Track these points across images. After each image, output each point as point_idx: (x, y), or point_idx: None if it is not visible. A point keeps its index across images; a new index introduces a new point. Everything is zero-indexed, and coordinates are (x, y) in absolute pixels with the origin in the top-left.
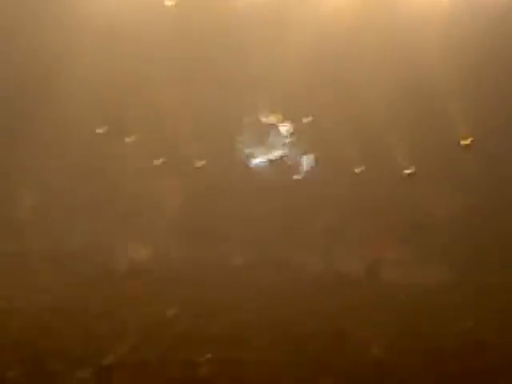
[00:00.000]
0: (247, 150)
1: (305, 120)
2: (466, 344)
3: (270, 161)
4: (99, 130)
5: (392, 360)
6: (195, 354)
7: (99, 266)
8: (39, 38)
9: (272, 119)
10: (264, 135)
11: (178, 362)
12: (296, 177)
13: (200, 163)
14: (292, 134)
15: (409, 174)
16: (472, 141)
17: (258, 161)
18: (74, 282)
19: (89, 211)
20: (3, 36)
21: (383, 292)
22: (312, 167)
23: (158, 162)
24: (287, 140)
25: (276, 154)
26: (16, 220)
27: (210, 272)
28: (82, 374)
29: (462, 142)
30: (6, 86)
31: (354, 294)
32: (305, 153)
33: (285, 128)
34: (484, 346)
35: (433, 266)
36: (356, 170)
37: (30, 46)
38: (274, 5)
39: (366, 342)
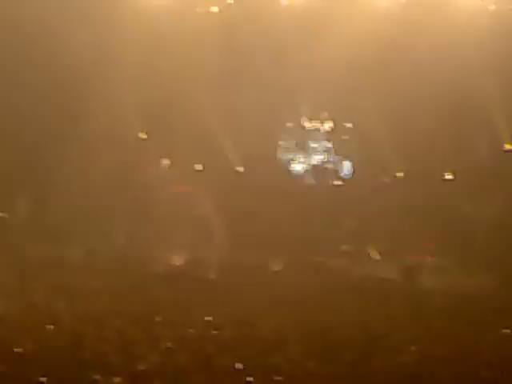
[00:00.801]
0: (288, 155)
1: (346, 125)
2: (504, 352)
3: (311, 166)
4: (142, 135)
5: (428, 367)
6: (233, 361)
7: (136, 271)
8: (84, 41)
9: (313, 124)
10: (305, 140)
11: (216, 369)
12: (336, 182)
13: (240, 168)
14: (333, 139)
15: (448, 180)
16: None
17: (298, 166)
18: (110, 287)
19: (127, 216)
20: (48, 39)
21: (421, 298)
22: (352, 173)
23: (198, 167)
24: (328, 145)
25: (317, 159)
26: (53, 224)
27: (249, 276)
28: (117, 381)
29: (504, 147)
30: (53, 86)
31: (392, 299)
32: (345, 158)
33: (326, 133)
34: None
35: (472, 272)
36: (396, 175)
37: (75, 49)
38: (316, 8)
39: (403, 349)
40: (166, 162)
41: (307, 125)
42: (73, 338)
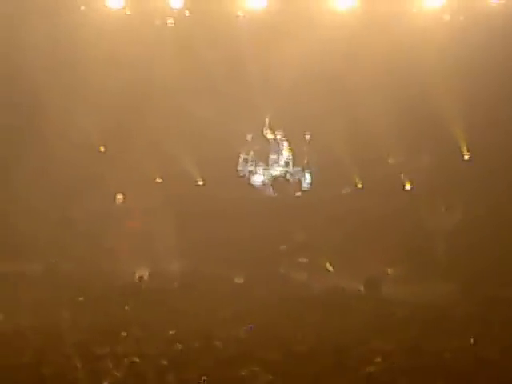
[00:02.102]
0: (248, 167)
1: (306, 136)
2: (466, 361)
3: (271, 178)
4: (100, 148)
5: (392, 377)
6: (198, 373)
7: (98, 285)
8: (40, 54)
9: (273, 135)
10: (265, 152)
11: (182, 382)
12: (297, 193)
13: (200, 181)
14: (292, 150)
15: (408, 190)
16: (471, 156)
17: (258, 178)
18: (73, 302)
19: (87, 229)
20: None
21: (383, 309)
22: (313, 183)
23: (157, 179)
24: (288, 156)
25: (277, 170)
26: (13, 239)
27: (212, 289)
28: None
29: (463, 157)
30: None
31: (354, 311)
32: (305, 169)
33: (285, 144)
34: (485, 363)
35: (432, 281)
36: (356, 186)
37: (27, 62)
38: (273, 19)
39: (366, 359)
40: (124, 175)
41: (267, 136)
42: (35, 353)
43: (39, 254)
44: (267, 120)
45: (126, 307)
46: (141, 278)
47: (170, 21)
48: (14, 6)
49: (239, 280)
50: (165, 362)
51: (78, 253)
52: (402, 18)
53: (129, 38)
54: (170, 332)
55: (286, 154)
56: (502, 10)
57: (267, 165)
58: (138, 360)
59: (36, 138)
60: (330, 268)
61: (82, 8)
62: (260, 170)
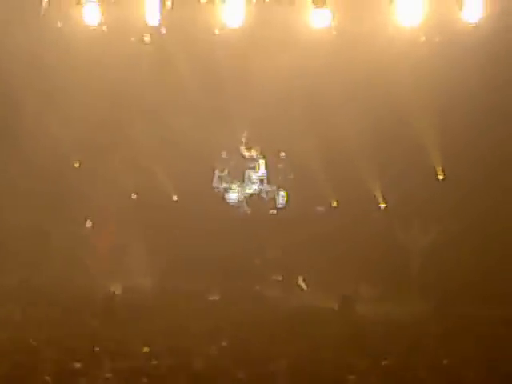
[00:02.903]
0: (223, 184)
1: (281, 154)
2: (440, 379)
3: (246, 195)
4: (76, 165)
5: None
6: None
7: (72, 300)
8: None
9: (248, 153)
10: (240, 169)
11: None
12: (272, 211)
13: (174, 197)
14: (267, 168)
15: (382, 208)
16: (446, 175)
17: (233, 195)
18: (46, 317)
19: (61, 244)
20: None
21: (357, 326)
22: (287, 202)
23: (132, 195)
24: (263, 174)
25: (252, 188)
26: None
27: (186, 305)
28: None
29: (437, 177)
30: None
31: (329, 328)
32: (280, 187)
33: (260, 162)
34: (459, 381)
35: (407, 299)
36: (330, 205)
37: (3, 76)
38: (249, 37)
39: (340, 378)
40: (100, 192)
41: (242, 154)
42: (9, 368)
43: (12, 268)
44: (243, 138)
45: (99, 322)
46: (114, 293)
47: (147, 38)
48: None
49: (214, 297)
50: (137, 378)
51: (51, 267)
52: (378, 38)
53: (105, 55)
54: (144, 349)
55: (261, 171)
56: (477, 31)
57: (242, 182)
58: (110, 376)
59: (11, 152)
60: (303, 286)
61: (59, 24)
62: (235, 186)
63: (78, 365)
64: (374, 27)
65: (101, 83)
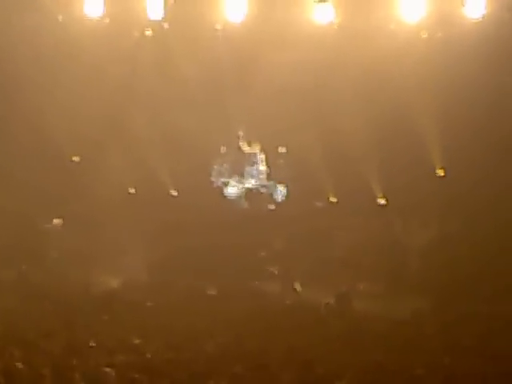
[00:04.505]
0: (222, 179)
1: (280, 149)
2: (438, 377)
3: (245, 190)
4: (75, 158)
5: None
6: None
7: (69, 294)
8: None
9: (247, 148)
10: (239, 164)
11: None
12: (270, 206)
13: (174, 192)
14: (267, 163)
15: (382, 204)
16: (446, 172)
17: (232, 190)
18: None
19: (60, 238)
20: None
21: (354, 323)
22: (286, 197)
23: (131, 190)
24: (262, 169)
25: (251, 183)
26: None
27: (184, 300)
28: None
29: (437, 173)
30: None
31: (326, 325)
32: (279, 182)
33: (260, 157)
34: (457, 379)
35: (405, 297)
36: (329, 200)
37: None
38: (250, 32)
39: (336, 374)
40: (98, 186)
41: (241, 149)
42: (5, 362)
43: (10, 262)
44: (241, 133)
45: (96, 317)
46: (112, 288)
47: (149, 32)
48: None
49: (211, 291)
50: (134, 373)
51: (49, 262)
52: (380, 34)
53: (107, 48)
54: (141, 343)
55: (260, 166)
56: (480, 26)
57: (241, 177)
58: (108, 370)
59: (9, 146)
60: (299, 287)
61: (60, 17)
62: (234, 181)
63: (73, 359)
64: (376, 22)
65: (101, 77)
